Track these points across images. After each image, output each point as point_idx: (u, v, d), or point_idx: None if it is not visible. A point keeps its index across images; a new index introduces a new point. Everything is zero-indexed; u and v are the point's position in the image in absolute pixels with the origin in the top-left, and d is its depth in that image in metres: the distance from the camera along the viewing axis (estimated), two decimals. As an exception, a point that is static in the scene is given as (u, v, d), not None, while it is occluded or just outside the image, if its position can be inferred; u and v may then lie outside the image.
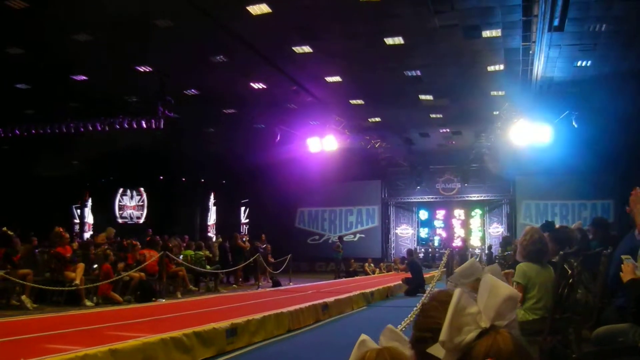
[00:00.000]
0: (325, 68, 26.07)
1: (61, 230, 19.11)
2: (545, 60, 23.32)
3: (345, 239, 43.24)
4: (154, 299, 18.67)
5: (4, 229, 18.99)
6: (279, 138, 32.01)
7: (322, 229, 46.95)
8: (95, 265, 19.15)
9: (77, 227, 49.95)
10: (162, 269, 20.07)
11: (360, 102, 31.09)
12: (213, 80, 27.13)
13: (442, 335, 1.81)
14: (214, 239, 31.84)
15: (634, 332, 6.56)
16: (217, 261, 26.53)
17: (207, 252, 25.65)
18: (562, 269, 7.36)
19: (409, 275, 26.37)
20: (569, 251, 8.39)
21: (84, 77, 27.18)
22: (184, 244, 26.75)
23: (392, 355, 2.14)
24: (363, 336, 2.26)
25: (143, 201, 50.52)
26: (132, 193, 50.80)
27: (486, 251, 38.66)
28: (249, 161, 39.29)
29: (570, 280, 7.68)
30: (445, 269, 21.85)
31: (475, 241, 46.67)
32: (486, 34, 21.66)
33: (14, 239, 18.57)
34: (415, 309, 12.00)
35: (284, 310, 14.01)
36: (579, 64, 24.23)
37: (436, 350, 1.84)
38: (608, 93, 25.94)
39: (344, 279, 32.48)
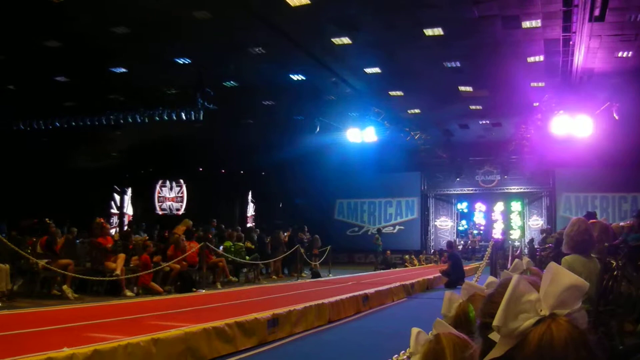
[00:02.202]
0: (364, 59, 26.02)
1: (102, 220, 19.30)
2: (586, 51, 23.10)
3: (384, 230, 43.33)
4: (194, 289, 18.75)
5: (48, 220, 19.24)
6: (318, 129, 32.04)
7: (361, 220, 47.06)
8: (135, 257, 19.23)
9: (116, 218, 50.38)
10: (202, 260, 20.13)
11: (399, 93, 31.00)
12: (252, 72, 27.17)
13: (495, 320, 1.78)
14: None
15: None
16: (256, 251, 26.53)
17: (249, 244, 25.69)
18: (606, 261, 7.29)
19: (444, 266, 26.39)
20: (614, 243, 8.32)
21: (123, 69, 27.33)
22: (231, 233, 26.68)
23: (459, 338, 2.13)
24: (415, 329, 2.24)
25: (182, 192, 50.79)
26: (171, 184, 51.09)
27: (526, 244, 38.40)
28: (288, 153, 39.35)
29: (615, 273, 7.61)
30: (489, 261, 21.77)
31: (514, 233, 46.49)
32: (526, 24, 21.50)
33: (53, 229, 18.78)
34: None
35: (325, 301, 14.03)
36: (620, 54, 23.99)
37: (496, 336, 1.81)
38: (650, 84, 25.78)
39: (383, 271, 32.44)
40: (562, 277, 1.75)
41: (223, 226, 28.64)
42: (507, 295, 1.77)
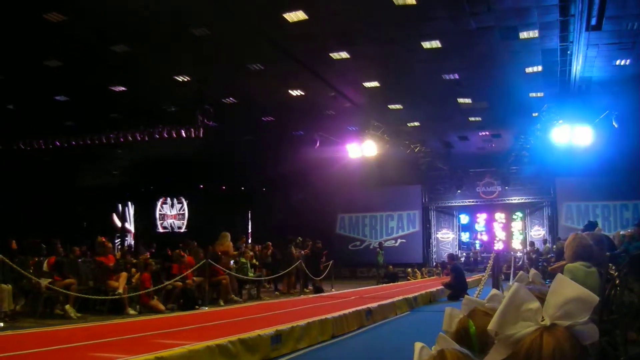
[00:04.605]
0: (363, 73, 26.08)
1: (104, 239, 19.29)
2: (584, 60, 23.13)
3: (386, 244, 43.25)
4: (196, 306, 18.73)
5: (54, 240, 19.30)
6: (318, 144, 32.04)
7: (363, 234, 47.00)
8: (136, 275, 19.25)
9: (117, 236, 50.39)
10: (205, 277, 20.09)
11: (398, 106, 31.04)
12: (251, 88, 27.23)
13: (491, 324, 1.78)
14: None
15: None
16: (271, 266, 26.61)
17: (254, 260, 25.59)
18: (607, 271, 7.29)
19: (447, 279, 26.40)
20: (616, 252, 8.31)
21: (123, 88, 27.38)
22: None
23: (463, 354, 2.13)
24: (418, 344, 2.23)
25: (184, 210, 50.79)
26: (172, 202, 51.07)
27: (533, 255, 38.21)
28: (289, 168, 39.40)
29: (617, 282, 7.61)
30: (491, 273, 21.72)
31: (516, 244, 46.41)
32: (523, 35, 21.58)
33: (60, 249, 18.85)
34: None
35: (328, 316, 13.97)
36: (617, 62, 24.02)
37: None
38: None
39: (385, 285, 32.35)
40: (566, 288, 1.74)
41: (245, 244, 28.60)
42: (506, 301, 1.78)
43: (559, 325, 1.70)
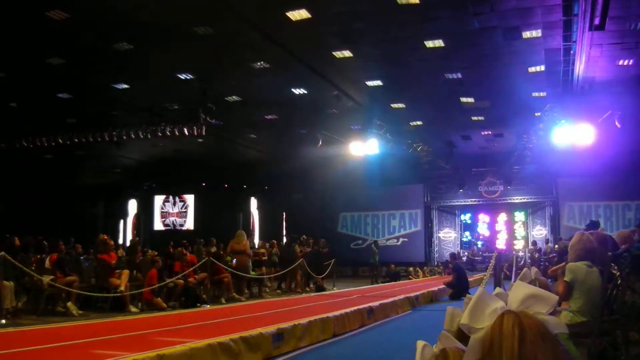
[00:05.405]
0: (365, 72, 26.02)
1: (105, 237, 19.28)
2: (587, 60, 23.04)
3: (388, 243, 43.40)
4: (198, 304, 18.74)
5: (60, 241, 19.35)
6: (320, 143, 31.99)
7: (364, 233, 46.89)
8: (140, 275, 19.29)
9: (120, 234, 50.34)
10: (207, 275, 20.10)
11: (401, 105, 30.97)
12: (254, 87, 27.17)
13: (462, 319, 1.83)
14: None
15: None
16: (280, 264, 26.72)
17: (264, 258, 25.74)
18: (610, 271, 7.30)
19: (449, 278, 26.39)
20: (618, 252, 8.31)
21: (126, 86, 27.31)
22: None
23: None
24: (420, 342, 2.24)
25: (186, 208, 50.74)
26: (174, 200, 51.01)
27: (535, 254, 38.11)
28: (291, 167, 39.43)
29: (619, 282, 7.61)
30: (493, 272, 21.70)
31: (518, 244, 46.42)
32: (526, 34, 21.51)
33: (62, 247, 18.88)
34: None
35: (330, 315, 13.97)
36: (620, 62, 23.94)
37: None
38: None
39: (386, 284, 32.29)
40: (521, 288, 1.86)
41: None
42: (475, 298, 1.83)
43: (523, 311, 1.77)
